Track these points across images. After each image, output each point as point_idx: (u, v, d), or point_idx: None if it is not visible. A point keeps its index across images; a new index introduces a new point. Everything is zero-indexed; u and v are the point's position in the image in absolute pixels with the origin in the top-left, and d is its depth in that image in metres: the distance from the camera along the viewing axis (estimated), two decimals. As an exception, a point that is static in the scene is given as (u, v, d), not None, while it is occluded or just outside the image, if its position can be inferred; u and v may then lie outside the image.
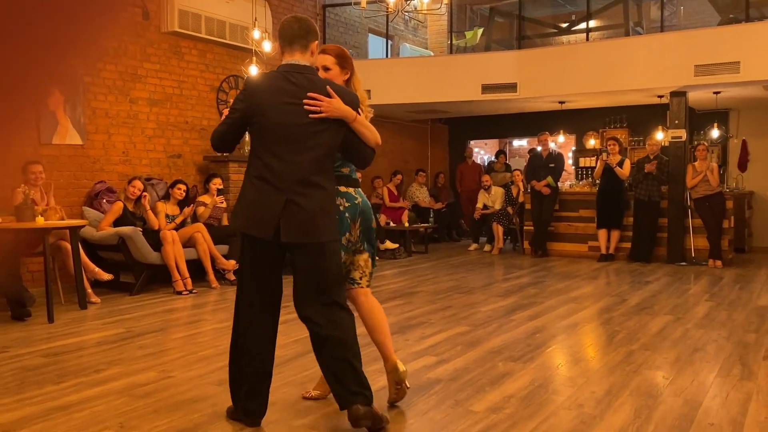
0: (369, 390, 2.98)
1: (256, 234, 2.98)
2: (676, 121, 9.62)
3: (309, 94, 2.91)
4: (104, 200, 7.34)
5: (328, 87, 2.96)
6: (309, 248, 2.97)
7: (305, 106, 2.90)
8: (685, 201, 9.38)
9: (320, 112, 2.91)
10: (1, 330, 5.18)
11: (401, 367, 3.31)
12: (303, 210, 2.91)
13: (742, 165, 11.10)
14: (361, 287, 3.33)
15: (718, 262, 9.00)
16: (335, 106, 2.93)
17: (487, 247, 11.05)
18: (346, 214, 3.20)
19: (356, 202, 3.26)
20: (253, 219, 2.99)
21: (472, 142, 14.18)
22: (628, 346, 4.71)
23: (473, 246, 11.27)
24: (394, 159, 12.46)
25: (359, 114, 3.06)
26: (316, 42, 3.09)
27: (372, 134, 3.10)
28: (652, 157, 9.46)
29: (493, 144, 15.92)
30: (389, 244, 10.01)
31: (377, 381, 3.52)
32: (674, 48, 9.16)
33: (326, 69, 3.24)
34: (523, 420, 3.22)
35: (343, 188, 3.22)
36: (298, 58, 3.02)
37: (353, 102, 3.05)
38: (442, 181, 12.98)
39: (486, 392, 3.64)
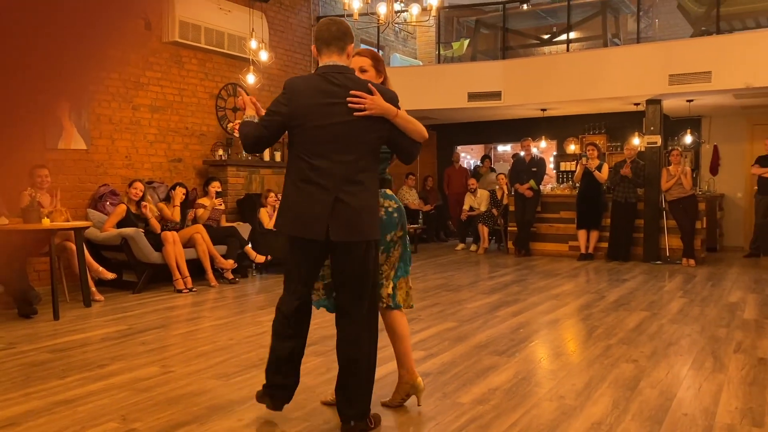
0: (368, 406, 2.97)
1: (306, 235, 2.87)
2: (652, 128, 9.66)
3: (352, 92, 2.82)
4: (108, 203, 7.30)
5: (369, 85, 2.88)
6: (355, 247, 2.88)
7: (348, 104, 2.82)
8: (660, 203, 9.42)
9: (364, 110, 2.83)
10: (9, 327, 5.14)
11: (421, 384, 3.24)
12: (351, 208, 2.83)
13: (714, 169, 11.16)
14: (400, 309, 3.23)
15: (692, 261, 9.05)
16: (378, 103, 2.84)
17: (473, 247, 11.05)
18: (395, 215, 3.14)
19: (399, 204, 3.22)
20: (300, 221, 2.87)
21: (459, 148, 14.19)
22: (607, 340, 4.72)
23: (460, 246, 11.28)
24: (385, 163, 12.43)
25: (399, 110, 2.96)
26: (352, 44, 3.01)
27: (416, 128, 2.97)
28: (628, 161, 9.51)
29: (479, 149, 15.94)
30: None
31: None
32: (650, 58, 9.20)
33: (363, 71, 3.13)
34: (508, 411, 3.22)
35: (388, 191, 3.20)
36: (336, 59, 2.93)
37: (393, 99, 2.95)
38: (430, 185, 12.99)
39: (472, 385, 3.64)
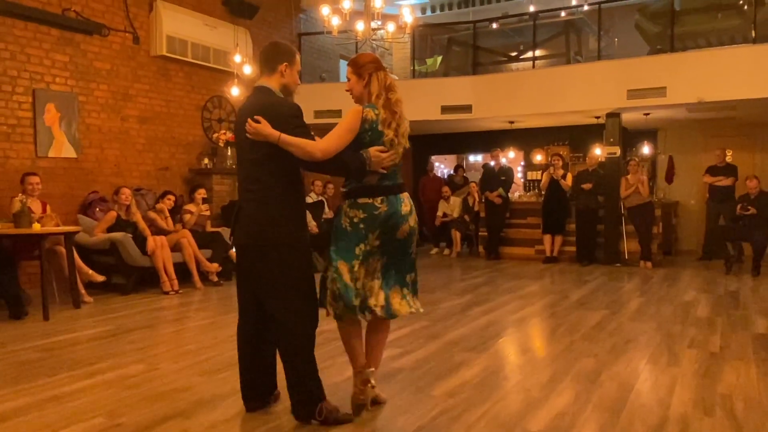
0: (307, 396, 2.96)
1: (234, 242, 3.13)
2: (612, 139, 9.77)
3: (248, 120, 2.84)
4: (97, 209, 7.22)
5: (256, 116, 2.82)
6: (251, 250, 2.98)
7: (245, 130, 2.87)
8: (619, 210, 9.51)
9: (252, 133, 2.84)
10: (0, 327, 5.05)
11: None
12: (247, 215, 2.96)
13: (669, 178, 11.30)
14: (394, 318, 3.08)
15: (649, 263, 9.15)
16: (258, 131, 2.80)
17: (446, 251, 11.08)
18: (361, 225, 2.93)
19: (376, 212, 2.94)
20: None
21: (433, 157, 14.22)
22: (570, 337, 4.75)
23: (434, 250, 11.30)
24: (363, 172, 12.44)
25: (297, 125, 2.86)
26: (283, 64, 2.99)
27: (298, 150, 2.81)
28: (590, 169, 9.62)
29: (451, 159, 16.00)
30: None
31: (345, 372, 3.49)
32: (609, 75, 9.32)
33: (348, 80, 3.11)
34: (477, 403, 3.23)
35: (363, 200, 2.95)
36: (263, 81, 3.03)
37: (287, 115, 2.86)
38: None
39: (444, 379, 3.65)
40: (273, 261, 2.88)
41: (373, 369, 3.07)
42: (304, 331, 2.93)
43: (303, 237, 2.97)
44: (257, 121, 2.81)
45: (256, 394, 3.11)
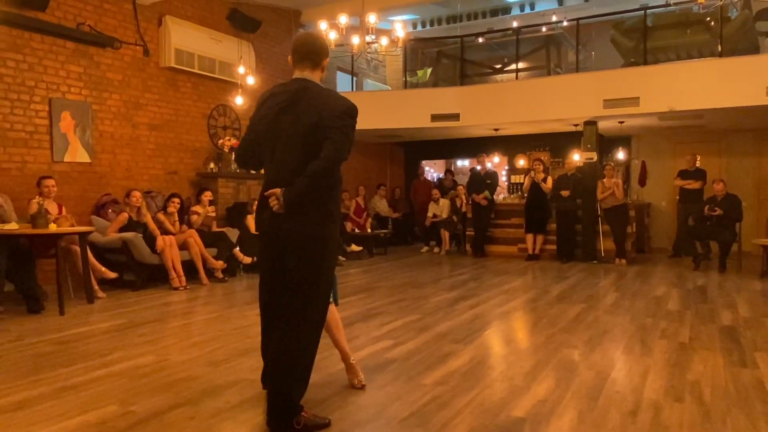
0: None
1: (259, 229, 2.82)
2: (589, 145, 9.81)
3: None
4: (110, 210, 7.18)
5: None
6: None
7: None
8: (596, 211, 9.54)
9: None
10: (18, 321, 5.02)
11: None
12: None
13: (642, 181, 11.35)
14: None
15: (623, 261, 9.19)
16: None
17: (436, 249, 11.09)
18: None
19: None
20: None
21: (423, 162, 14.24)
22: (550, 329, 4.77)
23: (424, 248, 11.30)
24: (359, 175, 12.45)
25: None
26: (327, 60, 2.80)
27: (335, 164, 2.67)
28: (569, 173, 9.65)
29: (441, 163, 16.00)
30: (354, 247, 9.98)
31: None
32: (587, 86, 9.35)
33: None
34: (464, 391, 3.24)
35: None
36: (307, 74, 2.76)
37: (340, 115, 2.64)
38: (398, 195, 13.02)
39: (433, 369, 3.65)
40: (312, 251, 2.64)
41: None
42: (316, 323, 2.72)
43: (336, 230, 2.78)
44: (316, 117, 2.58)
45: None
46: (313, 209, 2.63)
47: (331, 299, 2.98)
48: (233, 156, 3.02)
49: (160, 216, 7.16)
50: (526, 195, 10.00)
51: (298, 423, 2.64)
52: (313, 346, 2.72)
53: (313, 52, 2.73)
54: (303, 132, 2.62)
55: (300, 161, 2.60)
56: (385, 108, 10.33)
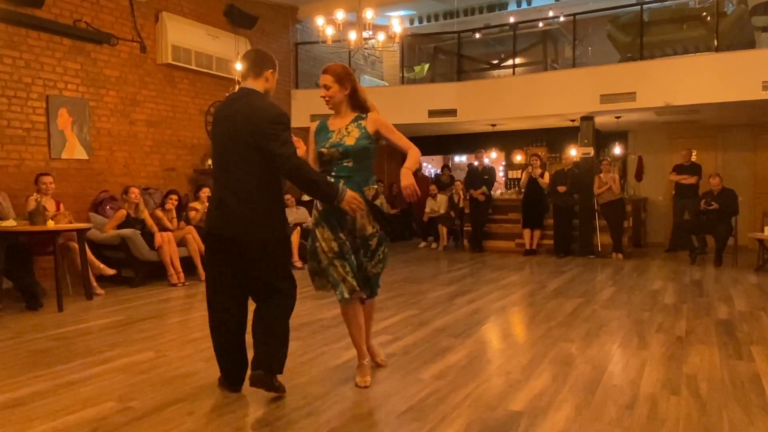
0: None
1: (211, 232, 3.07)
2: (586, 141, 9.81)
3: None
4: (108, 207, 7.16)
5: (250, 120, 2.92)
6: None
7: None
8: (593, 206, 9.55)
9: None
10: (17, 318, 5.01)
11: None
12: None
13: (639, 176, 11.35)
14: None
15: (620, 255, 9.20)
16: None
17: (433, 245, 11.09)
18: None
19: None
20: None
21: (421, 158, 14.23)
22: (547, 323, 4.77)
23: (422, 244, 11.30)
24: (356, 172, 12.42)
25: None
26: (270, 70, 3.08)
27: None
28: (566, 169, 9.65)
29: (438, 159, 16.00)
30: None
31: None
32: (584, 81, 9.35)
33: (327, 87, 3.17)
34: (462, 385, 3.24)
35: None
36: (250, 83, 3.07)
37: (269, 123, 2.90)
38: (396, 190, 13.01)
39: (432, 363, 3.66)
40: (274, 250, 2.99)
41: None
42: (295, 295, 3.10)
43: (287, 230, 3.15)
44: (255, 122, 2.88)
45: (242, 376, 3.11)
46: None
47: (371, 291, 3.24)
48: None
49: (158, 212, 7.15)
50: (523, 190, 10.00)
51: (278, 384, 2.99)
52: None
53: (252, 64, 3.05)
54: (242, 138, 2.88)
55: (240, 166, 2.90)
56: (382, 104, 10.15)
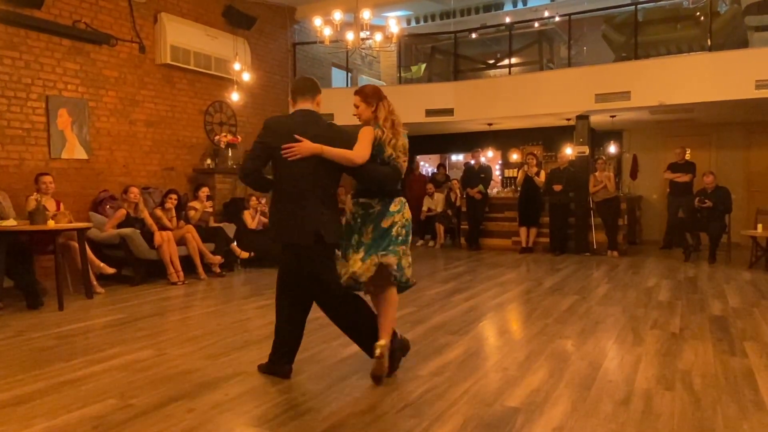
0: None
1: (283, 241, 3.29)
2: (581, 139, 9.82)
3: (283, 145, 3.13)
4: (107, 206, 7.15)
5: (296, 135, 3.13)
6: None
7: (282, 153, 3.12)
8: (588, 204, 9.56)
9: (296, 155, 3.12)
10: (18, 317, 5.00)
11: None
12: None
13: (633, 174, 11.38)
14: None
15: (615, 253, 9.22)
16: (302, 148, 3.10)
17: (431, 243, 11.10)
18: (358, 220, 3.32)
19: (371, 210, 3.31)
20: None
21: (418, 157, 14.22)
22: (544, 320, 4.78)
23: (420, 242, 11.30)
24: (354, 171, 12.42)
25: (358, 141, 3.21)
26: (320, 96, 3.35)
27: (341, 158, 3.15)
28: (562, 167, 9.66)
29: (435, 158, 15.99)
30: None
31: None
32: (579, 80, 9.36)
33: (356, 106, 3.37)
34: (459, 381, 3.25)
35: (362, 199, 3.32)
36: (308, 105, 3.31)
37: (348, 138, 3.23)
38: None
39: (429, 360, 3.66)
40: (328, 251, 3.25)
41: (383, 342, 3.17)
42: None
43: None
44: (298, 140, 3.11)
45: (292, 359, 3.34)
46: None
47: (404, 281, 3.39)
48: (241, 173, 3.20)
49: (158, 212, 7.14)
50: (519, 189, 10.01)
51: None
52: None
53: (306, 89, 3.32)
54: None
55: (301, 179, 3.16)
56: (379, 103, 10.26)
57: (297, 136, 3.10)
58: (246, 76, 8.50)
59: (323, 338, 4.13)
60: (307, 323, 3.40)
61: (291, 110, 3.33)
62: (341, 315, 3.31)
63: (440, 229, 10.90)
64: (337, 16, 6.96)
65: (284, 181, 3.18)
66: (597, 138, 11.33)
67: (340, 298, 3.25)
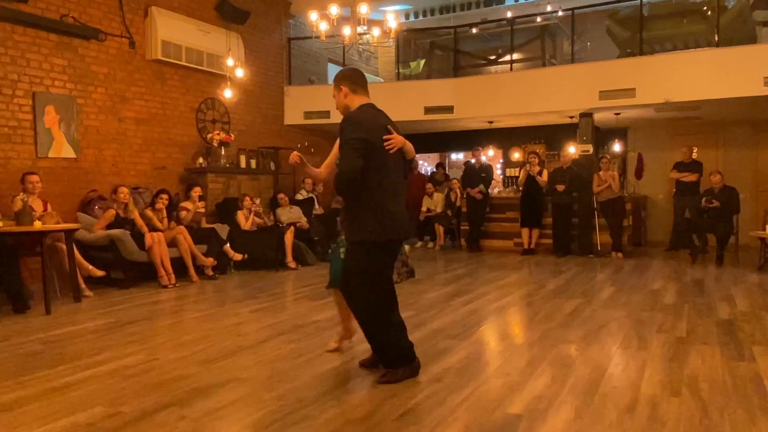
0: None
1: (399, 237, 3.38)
2: (585, 138, 9.83)
3: (385, 137, 3.32)
4: (96, 207, 7.14)
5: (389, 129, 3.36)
6: None
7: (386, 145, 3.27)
8: (592, 204, 9.57)
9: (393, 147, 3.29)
10: (3, 321, 4.99)
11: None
12: None
13: (638, 174, 11.39)
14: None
15: (620, 254, 9.23)
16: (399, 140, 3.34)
17: (430, 244, 11.10)
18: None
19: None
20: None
21: (417, 155, 14.21)
22: (546, 324, 4.78)
23: (419, 243, 11.30)
24: (351, 170, 12.41)
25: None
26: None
27: (411, 150, 3.50)
28: (565, 167, 9.68)
29: (435, 157, 16.00)
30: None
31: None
32: (582, 77, 9.36)
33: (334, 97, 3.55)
34: (460, 387, 3.25)
35: None
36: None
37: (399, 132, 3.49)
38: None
39: (429, 365, 3.65)
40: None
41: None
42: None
43: None
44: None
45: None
46: None
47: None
48: (352, 173, 3.16)
49: (148, 212, 7.13)
50: (521, 189, 10.01)
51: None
52: None
53: (363, 83, 3.48)
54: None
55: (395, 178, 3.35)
56: (377, 100, 10.11)
57: (390, 128, 3.27)
58: (239, 72, 8.49)
59: (319, 343, 4.13)
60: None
61: (351, 102, 3.38)
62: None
63: (440, 230, 10.90)
64: (334, 10, 6.96)
65: (385, 175, 3.24)
66: (601, 136, 11.33)
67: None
